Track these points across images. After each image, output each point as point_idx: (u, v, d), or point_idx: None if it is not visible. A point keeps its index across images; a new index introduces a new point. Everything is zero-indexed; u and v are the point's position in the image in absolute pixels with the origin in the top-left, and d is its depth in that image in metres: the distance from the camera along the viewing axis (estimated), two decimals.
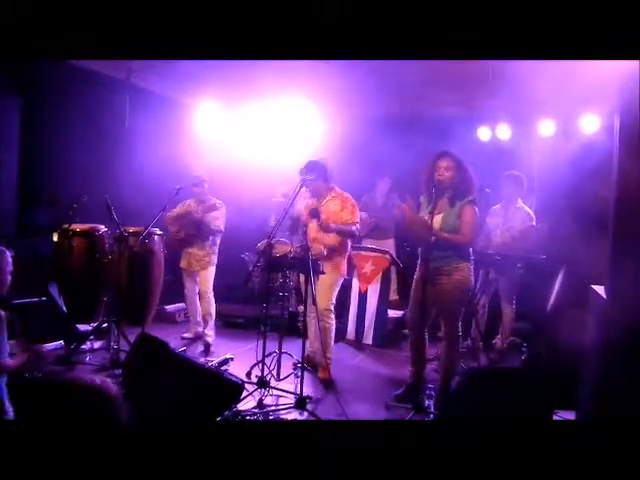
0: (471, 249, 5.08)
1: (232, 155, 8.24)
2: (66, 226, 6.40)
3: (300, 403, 4.89)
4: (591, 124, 7.45)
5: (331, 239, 5.61)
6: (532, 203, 7.07)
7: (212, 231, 6.54)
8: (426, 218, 4.89)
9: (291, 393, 5.16)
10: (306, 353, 5.53)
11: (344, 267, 5.83)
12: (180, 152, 7.73)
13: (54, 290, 6.23)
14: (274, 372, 5.42)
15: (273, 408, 4.94)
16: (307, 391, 5.14)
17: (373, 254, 7.35)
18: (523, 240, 6.55)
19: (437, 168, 4.96)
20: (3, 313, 3.58)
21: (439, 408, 4.92)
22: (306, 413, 4.83)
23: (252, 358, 5.51)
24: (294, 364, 5.74)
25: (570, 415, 4.35)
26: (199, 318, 6.78)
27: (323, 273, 5.44)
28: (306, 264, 4.99)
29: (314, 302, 5.12)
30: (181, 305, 7.63)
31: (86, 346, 6.07)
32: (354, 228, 5.70)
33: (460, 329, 5.11)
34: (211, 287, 6.66)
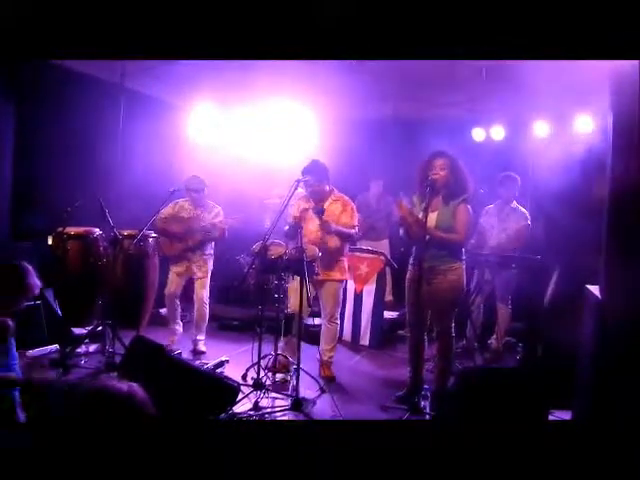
0: (463, 249, 5.10)
1: (226, 157, 8.24)
2: (60, 229, 6.39)
3: (296, 405, 4.89)
4: (585, 125, 7.47)
5: (331, 241, 5.64)
6: (526, 203, 7.09)
7: (219, 239, 6.48)
8: (420, 216, 4.91)
9: (287, 395, 5.16)
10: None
11: (346, 269, 5.91)
12: (174, 155, 7.73)
13: (49, 293, 6.22)
14: (270, 374, 5.42)
15: (269, 410, 4.94)
16: (303, 393, 5.13)
17: (368, 255, 7.35)
18: (518, 240, 6.57)
19: (432, 167, 4.98)
20: (12, 323, 3.56)
21: (435, 408, 4.93)
22: (302, 415, 4.83)
23: (248, 360, 5.51)
24: (284, 365, 5.72)
25: (566, 415, 4.36)
26: (179, 321, 6.71)
27: (317, 275, 5.45)
28: (301, 266, 4.99)
29: (309, 304, 5.13)
30: None
31: (81, 349, 6.04)
32: (353, 232, 5.76)
33: (453, 329, 5.12)
34: (208, 292, 6.63)
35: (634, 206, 3.33)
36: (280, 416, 4.83)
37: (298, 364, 5.14)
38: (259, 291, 5.67)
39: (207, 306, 6.60)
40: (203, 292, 6.56)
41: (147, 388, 4.22)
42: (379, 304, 7.28)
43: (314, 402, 5.14)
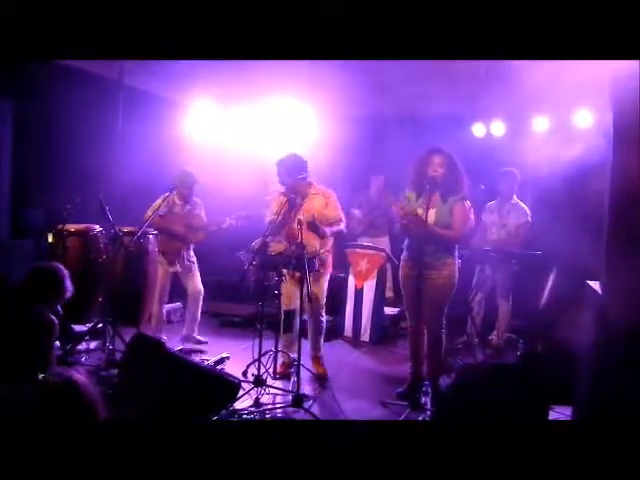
0: (457, 245, 5.11)
1: (226, 153, 8.23)
2: (60, 226, 6.38)
3: (297, 401, 4.89)
4: (584, 119, 7.45)
5: (322, 239, 5.59)
6: (527, 199, 7.08)
7: (208, 234, 6.53)
8: (420, 212, 4.91)
9: (288, 391, 5.16)
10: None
11: (329, 261, 5.84)
12: (174, 151, 7.71)
13: None
14: (270, 370, 5.42)
15: (270, 406, 4.94)
16: (303, 389, 5.13)
17: (368, 252, 7.35)
18: (519, 236, 6.57)
19: (430, 164, 4.97)
20: (56, 320, 3.55)
21: (435, 405, 4.93)
22: (303, 411, 4.83)
23: (248, 357, 5.50)
24: (285, 363, 5.73)
25: (567, 411, 4.36)
26: (163, 323, 6.75)
27: (318, 271, 5.45)
28: (302, 262, 4.99)
29: (310, 299, 5.13)
30: (176, 305, 7.62)
31: (82, 346, 6.04)
32: (342, 226, 5.72)
33: (445, 325, 5.13)
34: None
35: (635, 201, 3.33)
36: (281, 412, 4.83)
37: (299, 360, 5.14)
38: (259, 288, 5.66)
39: (201, 302, 6.65)
40: (198, 282, 6.65)
41: (147, 384, 4.24)
42: (380, 300, 7.28)
43: (315, 398, 5.14)
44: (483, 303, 6.79)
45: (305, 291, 4.96)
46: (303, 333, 5.50)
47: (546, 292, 5.81)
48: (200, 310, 6.69)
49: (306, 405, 4.91)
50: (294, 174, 5.57)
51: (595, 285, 3.99)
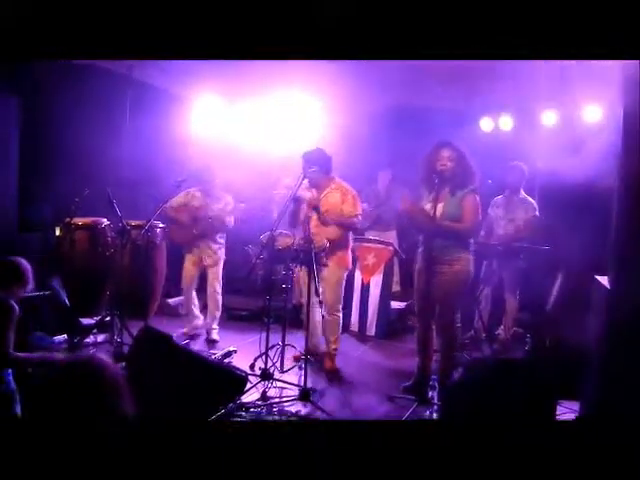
0: (472, 240, 5.08)
1: (234, 148, 8.22)
2: (68, 220, 6.40)
3: (304, 395, 4.90)
4: (593, 114, 7.42)
5: (332, 232, 5.57)
6: (535, 194, 7.06)
7: (227, 228, 6.54)
8: (428, 207, 4.90)
9: (295, 385, 5.17)
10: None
11: (349, 260, 5.83)
12: (181, 145, 7.72)
13: (57, 284, 6.23)
14: (277, 364, 5.43)
15: (277, 400, 4.94)
16: (311, 383, 5.14)
17: (375, 246, 7.34)
18: (526, 231, 6.54)
19: (439, 158, 4.96)
20: (17, 307, 3.73)
21: (442, 399, 4.93)
22: (310, 405, 4.83)
23: (255, 350, 5.51)
24: (295, 357, 5.75)
25: (574, 406, 4.35)
26: (197, 312, 6.76)
27: (326, 265, 5.45)
28: (309, 256, 4.99)
29: (317, 294, 5.13)
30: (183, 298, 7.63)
31: (89, 339, 6.06)
32: (355, 220, 5.68)
33: (458, 320, 5.11)
34: (220, 282, 6.67)
35: None
36: (288, 406, 4.83)
37: (306, 355, 5.16)
38: (267, 282, 5.67)
39: (220, 296, 6.65)
40: (215, 282, 6.63)
41: (155, 378, 4.25)
42: (386, 294, 7.27)
43: (322, 392, 5.15)
44: (490, 298, 6.78)
45: (313, 286, 4.97)
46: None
47: (554, 287, 5.79)
48: (217, 307, 6.71)
49: (313, 399, 4.92)
50: (323, 170, 5.58)
51: (603, 280, 3.98)
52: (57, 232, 6.70)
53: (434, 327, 5.21)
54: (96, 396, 1.88)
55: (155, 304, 7.18)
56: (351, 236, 5.86)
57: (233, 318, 7.58)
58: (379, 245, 7.35)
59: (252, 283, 7.61)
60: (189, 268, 6.66)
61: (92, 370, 1.91)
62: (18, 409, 3.65)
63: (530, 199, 6.72)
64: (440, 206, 4.92)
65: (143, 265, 6.72)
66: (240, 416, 4.57)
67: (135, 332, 5.19)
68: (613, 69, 3.94)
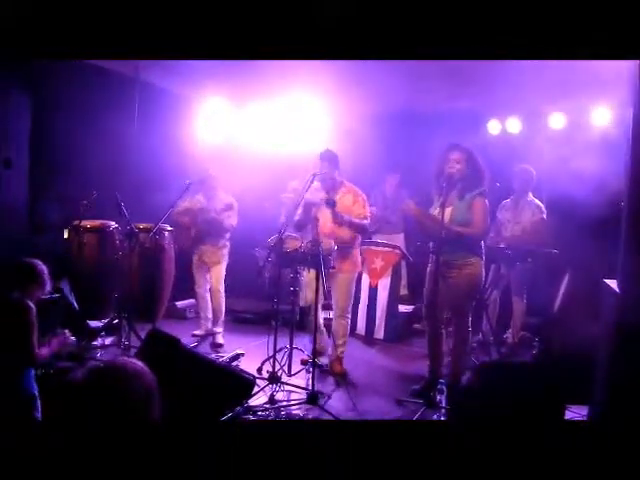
0: (482, 243, 5.06)
1: (241, 150, 8.24)
2: (77, 223, 6.42)
3: (312, 398, 4.89)
4: (602, 117, 7.39)
5: (345, 233, 5.58)
6: (542, 196, 7.04)
7: (225, 230, 6.55)
8: (437, 212, 4.88)
9: (302, 389, 5.16)
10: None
11: (359, 263, 5.88)
12: (189, 148, 7.73)
13: (65, 287, 6.25)
14: (285, 367, 5.42)
15: (285, 404, 4.94)
16: (318, 386, 5.13)
17: (383, 249, 7.33)
18: (534, 234, 6.52)
19: (448, 161, 4.95)
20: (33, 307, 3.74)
21: (451, 403, 4.91)
22: (317, 408, 4.83)
23: (263, 354, 5.51)
24: (302, 360, 5.74)
25: (583, 410, 4.33)
26: (209, 314, 6.76)
27: (333, 268, 5.44)
28: (317, 259, 4.98)
29: (325, 297, 5.13)
30: (192, 301, 7.63)
31: (97, 342, 6.08)
32: (365, 222, 5.69)
33: (470, 324, 5.10)
34: (223, 283, 6.67)
35: None
36: (296, 409, 4.83)
37: (314, 357, 5.14)
38: (274, 284, 5.66)
39: (223, 298, 6.65)
40: (217, 283, 6.65)
41: (163, 381, 4.25)
42: (394, 298, 7.26)
43: (330, 396, 5.14)
44: (498, 301, 6.76)
45: (321, 289, 4.96)
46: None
47: (562, 290, 5.76)
48: (222, 308, 6.72)
49: (321, 402, 4.91)
50: (333, 169, 5.60)
51: (612, 283, 3.96)
52: (65, 235, 6.72)
53: (444, 331, 5.20)
54: (123, 403, 1.88)
55: (163, 307, 7.19)
56: (359, 240, 5.86)
57: (241, 321, 7.59)
58: (386, 248, 7.34)
59: (260, 286, 7.61)
60: (197, 272, 6.72)
61: (123, 376, 1.91)
62: (39, 413, 3.68)
63: (538, 202, 6.70)
64: (448, 210, 4.90)
65: (151, 268, 6.74)
66: (248, 419, 4.56)
67: (143, 335, 5.20)
68: (622, 71, 3.93)
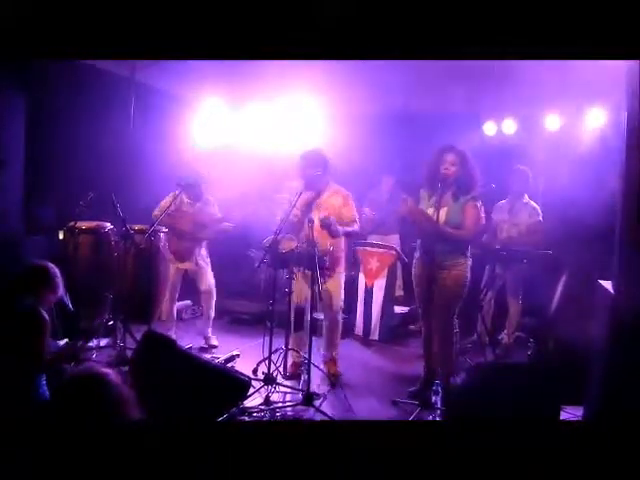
0: (469, 246, 5.08)
1: (237, 151, 8.24)
2: (72, 224, 6.41)
3: (307, 399, 4.89)
4: (597, 118, 7.41)
5: (333, 238, 5.56)
6: (539, 198, 7.05)
7: (219, 232, 6.53)
8: (431, 212, 4.89)
9: (298, 390, 5.16)
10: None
11: (344, 263, 5.84)
12: (185, 149, 7.72)
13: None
14: (281, 369, 5.42)
15: (280, 405, 4.94)
16: (314, 387, 5.13)
17: (379, 250, 7.34)
18: (530, 235, 6.53)
19: (442, 162, 4.95)
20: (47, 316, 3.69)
21: (446, 404, 4.91)
22: (313, 409, 4.83)
23: (258, 354, 5.51)
24: (295, 363, 5.72)
25: (578, 411, 4.34)
26: (174, 317, 6.72)
27: (329, 269, 5.44)
28: (312, 260, 4.98)
29: (320, 297, 5.13)
30: (187, 302, 7.63)
31: (92, 343, 6.06)
32: (356, 227, 5.67)
33: (456, 325, 5.11)
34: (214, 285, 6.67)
35: None
36: (291, 410, 4.83)
37: (309, 358, 5.14)
38: (270, 285, 5.66)
39: (214, 293, 6.64)
40: (210, 280, 6.63)
41: (158, 382, 4.24)
42: (389, 299, 7.27)
43: (325, 397, 5.14)
44: (493, 302, 6.77)
45: (317, 289, 4.96)
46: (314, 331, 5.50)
47: (557, 291, 5.77)
48: (213, 308, 6.69)
49: (316, 403, 4.91)
50: (313, 169, 5.52)
51: (607, 284, 3.97)
52: (61, 236, 6.70)
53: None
54: (99, 408, 1.88)
55: (158, 308, 7.17)
56: (347, 243, 5.85)
57: (236, 322, 7.59)
58: (382, 249, 7.35)
59: (255, 287, 7.61)
60: (177, 275, 6.60)
61: (93, 384, 1.91)
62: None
63: (533, 203, 6.71)
64: (443, 211, 4.91)
65: (146, 269, 6.72)
66: (243, 420, 4.56)
67: (138, 336, 5.19)
68: (617, 72, 3.94)
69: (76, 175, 6.80)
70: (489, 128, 8.28)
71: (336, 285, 5.68)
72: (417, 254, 5.21)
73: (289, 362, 5.63)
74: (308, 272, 5.27)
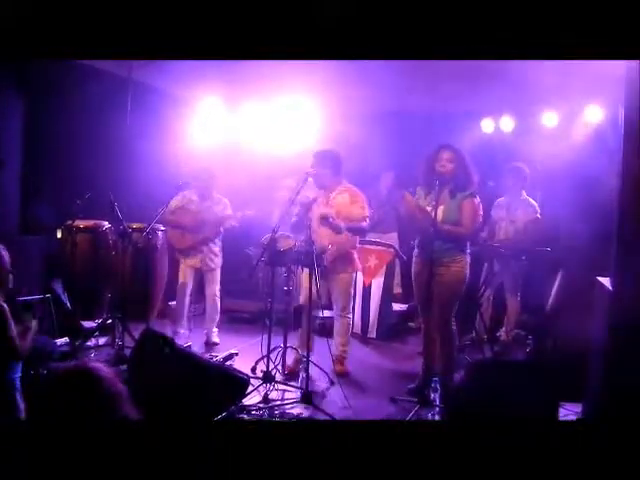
0: (468, 242, 5.08)
1: (235, 150, 8.23)
2: (70, 222, 6.40)
3: (306, 398, 4.89)
4: (594, 115, 7.41)
5: (337, 236, 5.55)
6: (537, 195, 7.05)
7: (225, 230, 6.50)
8: (429, 209, 4.90)
9: (297, 388, 5.16)
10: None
11: (357, 262, 5.85)
12: (182, 148, 7.72)
13: (58, 287, 6.24)
14: (279, 367, 5.42)
15: (279, 403, 4.94)
16: (312, 385, 5.13)
17: (377, 248, 7.34)
18: (528, 232, 6.53)
19: (439, 160, 4.96)
20: (5, 306, 3.62)
21: (444, 401, 4.92)
22: (311, 407, 4.83)
23: (257, 353, 5.51)
24: (295, 360, 5.72)
25: (577, 408, 4.35)
26: (185, 322, 6.66)
27: (326, 267, 5.44)
28: (310, 258, 4.98)
29: (318, 296, 5.13)
30: None
31: (91, 342, 6.06)
32: (364, 224, 5.64)
33: (454, 322, 5.11)
34: (219, 285, 6.64)
35: None
36: (290, 409, 4.83)
37: (308, 357, 5.15)
38: (268, 284, 5.66)
39: (219, 299, 6.61)
40: (215, 286, 6.59)
41: (156, 380, 4.24)
42: (387, 297, 7.27)
43: (324, 395, 5.15)
44: (492, 299, 6.77)
45: (314, 288, 4.96)
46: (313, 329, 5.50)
47: (555, 288, 5.78)
48: (217, 312, 6.65)
49: (315, 401, 4.91)
50: (321, 168, 5.54)
51: (605, 281, 3.97)
52: (59, 235, 6.70)
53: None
54: (92, 404, 1.88)
55: (157, 307, 7.18)
56: (357, 239, 5.84)
57: (234, 321, 7.58)
58: (380, 247, 7.34)
59: (253, 285, 7.61)
60: (186, 274, 6.55)
61: (87, 379, 1.91)
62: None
63: (531, 200, 6.72)
64: (440, 209, 4.92)
65: (144, 268, 6.72)
66: (242, 419, 4.56)
67: (137, 335, 5.19)
68: (614, 69, 3.94)
69: (74, 174, 6.79)
70: (487, 125, 8.28)
71: (342, 285, 5.68)
72: (415, 252, 5.22)
73: (290, 359, 5.64)
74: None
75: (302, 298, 5.65)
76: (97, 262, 6.62)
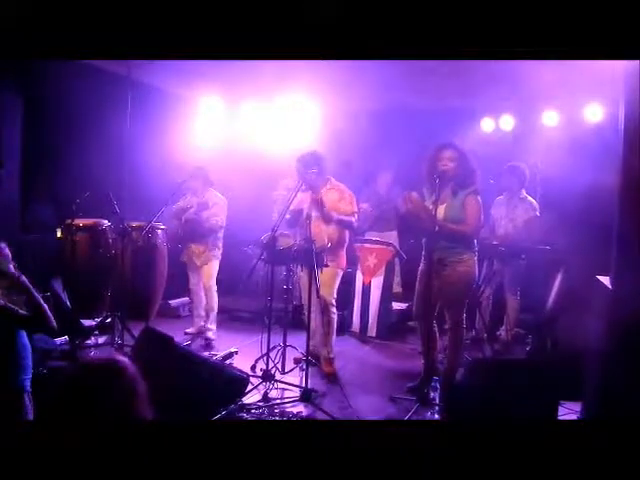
0: (475, 240, 5.07)
1: (234, 149, 8.23)
2: (69, 221, 6.40)
3: (305, 396, 4.89)
4: (595, 114, 7.41)
5: (331, 232, 5.56)
6: (536, 194, 7.05)
7: (207, 229, 6.47)
8: (430, 208, 4.89)
9: (296, 386, 5.16)
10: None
11: (344, 260, 5.80)
12: (182, 147, 7.71)
13: (58, 285, 6.23)
14: (279, 365, 5.42)
15: (278, 401, 4.94)
16: (312, 384, 5.13)
17: (377, 246, 7.33)
18: (527, 231, 6.53)
19: (440, 159, 4.95)
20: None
21: (444, 400, 4.92)
22: (311, 406, 4.83)
23: (256, 351, 5.51)
24: (295, 359, 5.72)
25: (576, 407, 4.35)
26: (202, 312, 6.73)
27: (327, 266, 5.43)
28: (310, 257, 4.98)
29: (318, 295, 5.12)
30: (185, 299, 7.63)
31: (90, 341, 6.06)
32: (353, 219, 5.65)
33: (464, 321, 5.10)
34: (214, 281, 6.62)
35: None
36: (289, 407, 4.83)
37: (307, 355, 5.15)
38: (267, 282, 5.66)
39: (214, 295, 6.61)
40: (208, 280, 6.60)
41: (156, 379, 4.24)
42: (387, 295, 7.26)
43: (323, 393, 5.15)
44: (491, 298, 6.77)
45: (314, 286, 4.96)
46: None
47: (555, 287, 5.77)
48: (213, 305, 6.65)
49: (314, 400, 4.91)
50: (309, 169, 5.54)
51: (605, 280, 3.97)
52: (58, 234, 6.70)
53: (437, 328, 5.21)
54: (118, 397, 1.89)
55: (156, 305, 7.17)
56: (348, 237, 5.83)
57: (234, 319, 7.59)
58: (380, 246, 7.34)
59: (253, 284, 7.61)
60: (187, 267, 6.72)
61: (116, 373, 1.92)
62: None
63: (531, 199, 6.71)
64: (442, 207, 4.91)
65: (144, 266, 6.72)
66: (241, 417, 4.57)
67: (136, 333, 5.19)
68: (614, 68, 3.94)
69: (73, 173, 6.78)
70: (487, 124, 8.28)
71: (329, 276, 5.57)
72: (423, 252, 5.18)
73: (294, 355, 5.64)
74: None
75: (299, 297, 5.63)
76: (97, 261, 6.61)
